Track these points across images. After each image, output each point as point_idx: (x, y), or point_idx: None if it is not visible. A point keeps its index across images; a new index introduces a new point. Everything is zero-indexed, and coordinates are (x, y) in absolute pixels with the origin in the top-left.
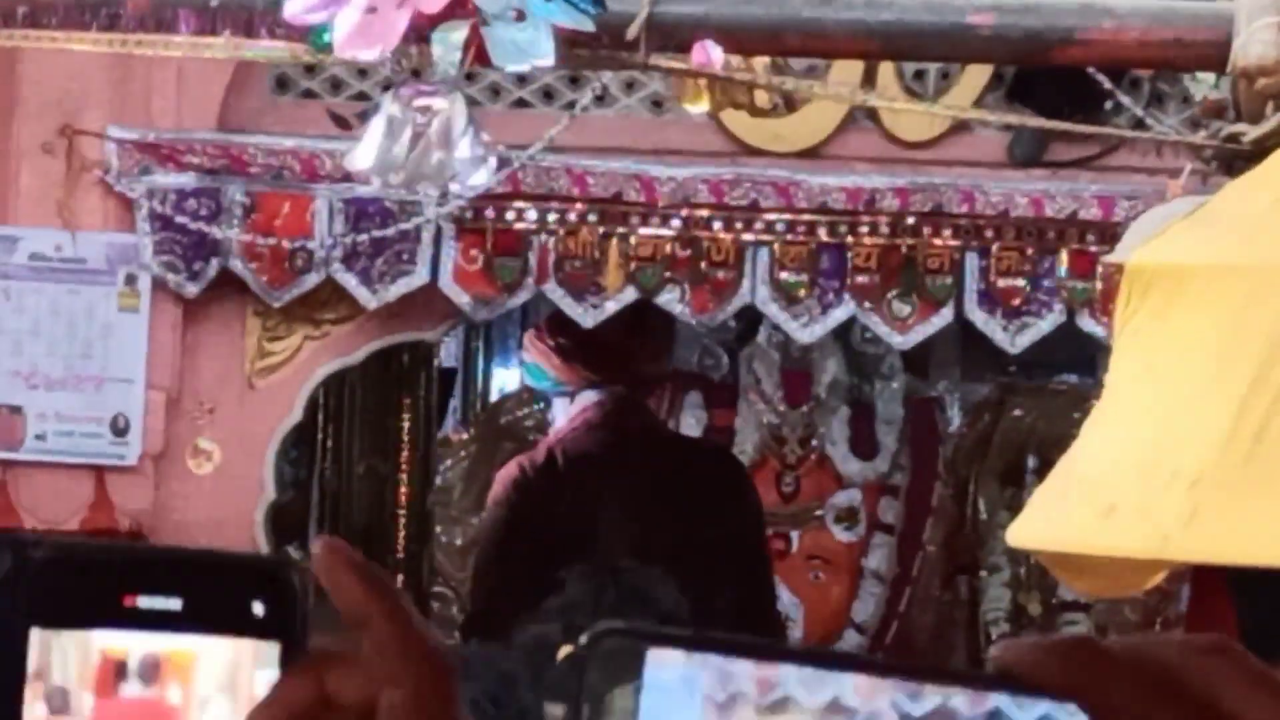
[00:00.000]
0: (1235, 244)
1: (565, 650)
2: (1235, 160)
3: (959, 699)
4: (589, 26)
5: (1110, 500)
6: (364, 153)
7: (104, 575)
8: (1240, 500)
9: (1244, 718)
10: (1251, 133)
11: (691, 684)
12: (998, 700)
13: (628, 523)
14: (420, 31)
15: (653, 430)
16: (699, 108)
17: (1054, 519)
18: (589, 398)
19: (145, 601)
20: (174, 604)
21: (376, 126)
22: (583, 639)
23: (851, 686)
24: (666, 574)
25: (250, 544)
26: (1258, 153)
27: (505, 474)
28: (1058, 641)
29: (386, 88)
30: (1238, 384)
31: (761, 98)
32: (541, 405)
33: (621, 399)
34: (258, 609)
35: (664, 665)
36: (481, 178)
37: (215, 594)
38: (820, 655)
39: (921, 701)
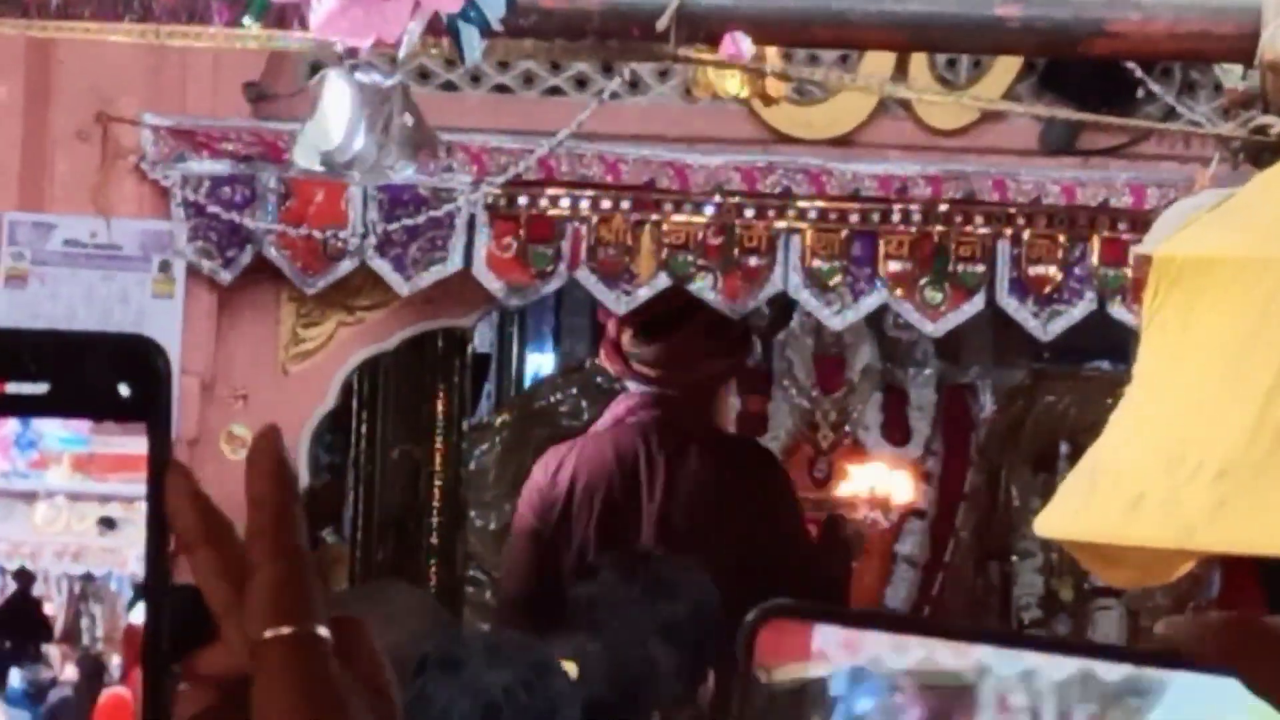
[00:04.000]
0: (1262, 236)
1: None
2: (1263, 152)
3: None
4: None
5: (1137, 491)
6: (305, 144)
7: None
8: (1266, 492)
9: None
10: (1277, 125)
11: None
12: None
13: (660, 517)
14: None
15: (693, 427)
16: (724, 95)
17: (1081, 509)
18: (635, 391)
19: (13, 387)
20: (40, 388)
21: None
22: (750, 615)
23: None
24: (697, 565)
25: None
26: None
27: (542, 463)
28: (1217, 617)
29: (424, 76)
30: (1264, 377)
31: (774, 87)
32: (575, 391)
33: (668, 395)
34: (123, 390)
35: (829, 641)
36: (412, 164)
37: (80, 377)
38: (994, 633)
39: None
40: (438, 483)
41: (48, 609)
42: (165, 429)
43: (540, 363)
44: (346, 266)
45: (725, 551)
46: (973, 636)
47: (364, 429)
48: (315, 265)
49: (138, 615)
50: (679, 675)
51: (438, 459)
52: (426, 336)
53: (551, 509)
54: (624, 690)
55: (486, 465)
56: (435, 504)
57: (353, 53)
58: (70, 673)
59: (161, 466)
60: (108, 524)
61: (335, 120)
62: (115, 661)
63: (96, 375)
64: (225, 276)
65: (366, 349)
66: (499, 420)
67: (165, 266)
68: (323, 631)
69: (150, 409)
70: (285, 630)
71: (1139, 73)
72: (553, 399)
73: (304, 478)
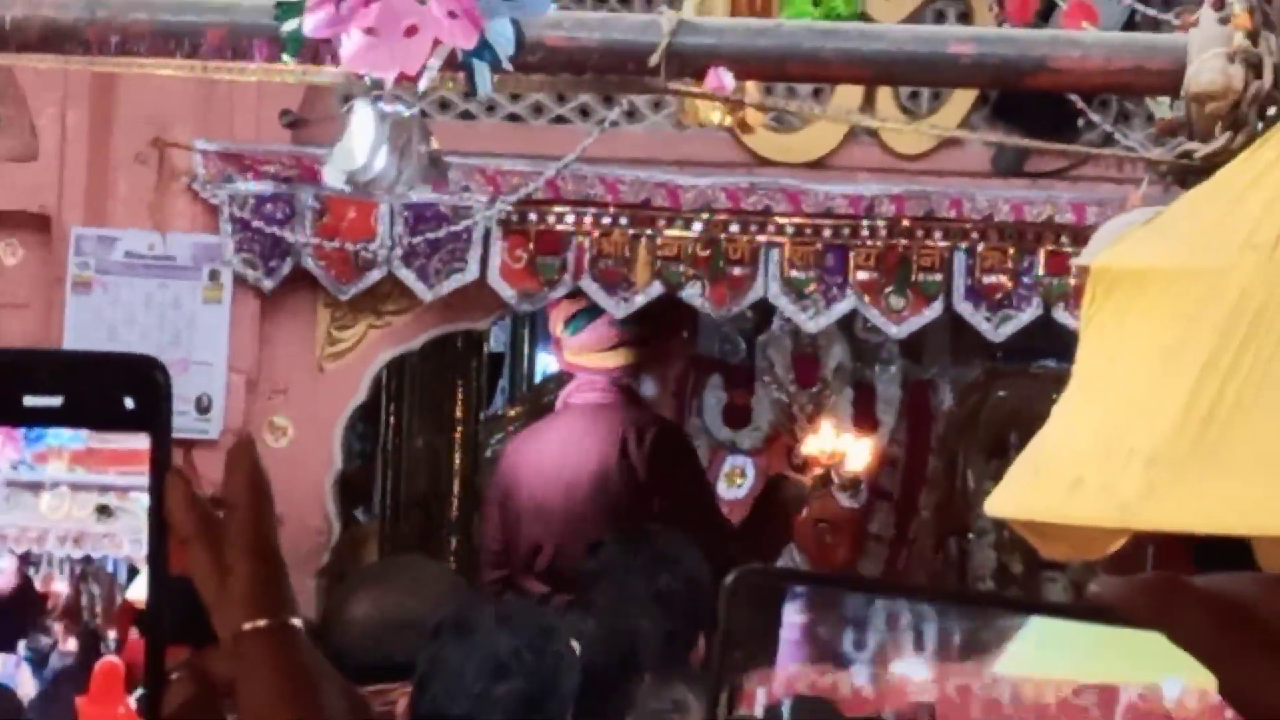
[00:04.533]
0: (1188, 249)
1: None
2: (1188, 174)
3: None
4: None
5: (1076, 475)
6: (335, 165)
7: None
8: (1190, 477)
9: None
10: (1202, 150)
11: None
12: None
13: (568, 489)
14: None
15: (614, 409)
16: (708, 123)
17: (1026, 492)
18: (578, 379)
19: (32, 399)
20: (55, 401)
21: (350, 137)
22: (727, 579)
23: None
24: (689, 539)
25: (320, 510)
26: (1208, 168)
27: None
28: (1145, 578)
29: (444, 106)
30: (1189, 373)
31: (753, 116)
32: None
33: (594, 381)
34: (128, 404)
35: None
36: (427, 185)
37: (90, 390)
38: (930, 591)
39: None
40: (457, 468)
41: (51, 587)
42: (166, 438)
43: (548, 361)
44: (375, 275)
45: (625, 516)
46: (909, 593)
47: (391, 420)
48: (348, 274)
49: (131, 593)
50: (674, 642)
51: (457, 447)
52: (447, 338)
53: (502, 482)
54: (625, 657)
55: (502, 460)
56: (455, 487)
57: (378, 85)
58: (71, 643)
59: (162, 472)
60: (105, 511)
61: (359, 145)
62: (111, 634)
63: (105, 391)
64: (268, 284)
65: (393, 349)
66: (511, 412)
67: (214, 275)
68: (296, 622)
69: (152, 421)
70: (262, 623)
71: (1080, 104)
72: (559, 393)
73: (338, 463)
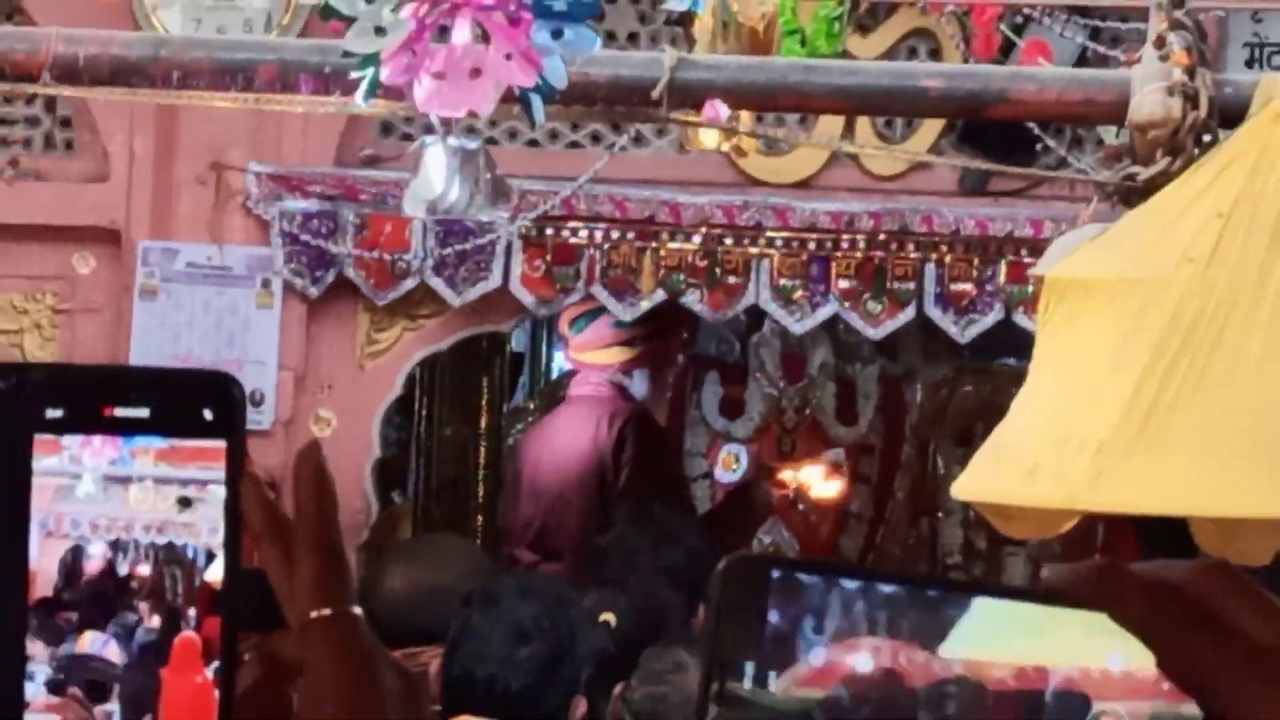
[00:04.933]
0: (1132, 262)
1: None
2: (1132, 195)
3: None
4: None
5: (1032, 463)
6: (415, 196)
7: (88, 391)
8: (1134, 464)
9: (1233, 619)
10: (1144, 173)
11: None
12: None
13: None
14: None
15: (606, 401)
16: (706, 147)
17: (988, 478)
18: (582, 375)
19: (120, 411)
20: (142, 413)
21: (426, 171)
22: (720, 564)
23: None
24: (688, 516)
25: (360, 492)
26: (1149, 189)
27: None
28: (1090, 565)
29: (470, 132)
30: (1133, 372)
31: (746, 142)
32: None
33: (592, 377)
34: (207, 414)
35: (785, 584)
36: (494, 212)
37: (172, 403)
38: (895, 575)
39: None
40: (482, 455)
41: (137, 571)
42: (241, 444)
43: (563, 360)
44: (409, 283)
45: (596, 497)
46: (884, 578)
47: (424, 412)
48: (385, 282)
49: (207, 576)
50: (678, 610)
51: (482, 436)
52: (473, 338)
53: (513, 467)
54: (653, 628)
55: (516, 446)
56: (481, 471)
57: (446, 122)
58: (154, 620)
59: (237, 476)
60: (185, 503)
61: (435, 177)
62: (190, 612)
63: (186, 402)
64: (313, 291)
65: (425, 349)
66: (530, 405)
67: (266, 283)
68: (356, 611)
69: (229, 430)
70: (326, 611)
71: (1036, 131)
72: (564, 392)
73: (376, 451)
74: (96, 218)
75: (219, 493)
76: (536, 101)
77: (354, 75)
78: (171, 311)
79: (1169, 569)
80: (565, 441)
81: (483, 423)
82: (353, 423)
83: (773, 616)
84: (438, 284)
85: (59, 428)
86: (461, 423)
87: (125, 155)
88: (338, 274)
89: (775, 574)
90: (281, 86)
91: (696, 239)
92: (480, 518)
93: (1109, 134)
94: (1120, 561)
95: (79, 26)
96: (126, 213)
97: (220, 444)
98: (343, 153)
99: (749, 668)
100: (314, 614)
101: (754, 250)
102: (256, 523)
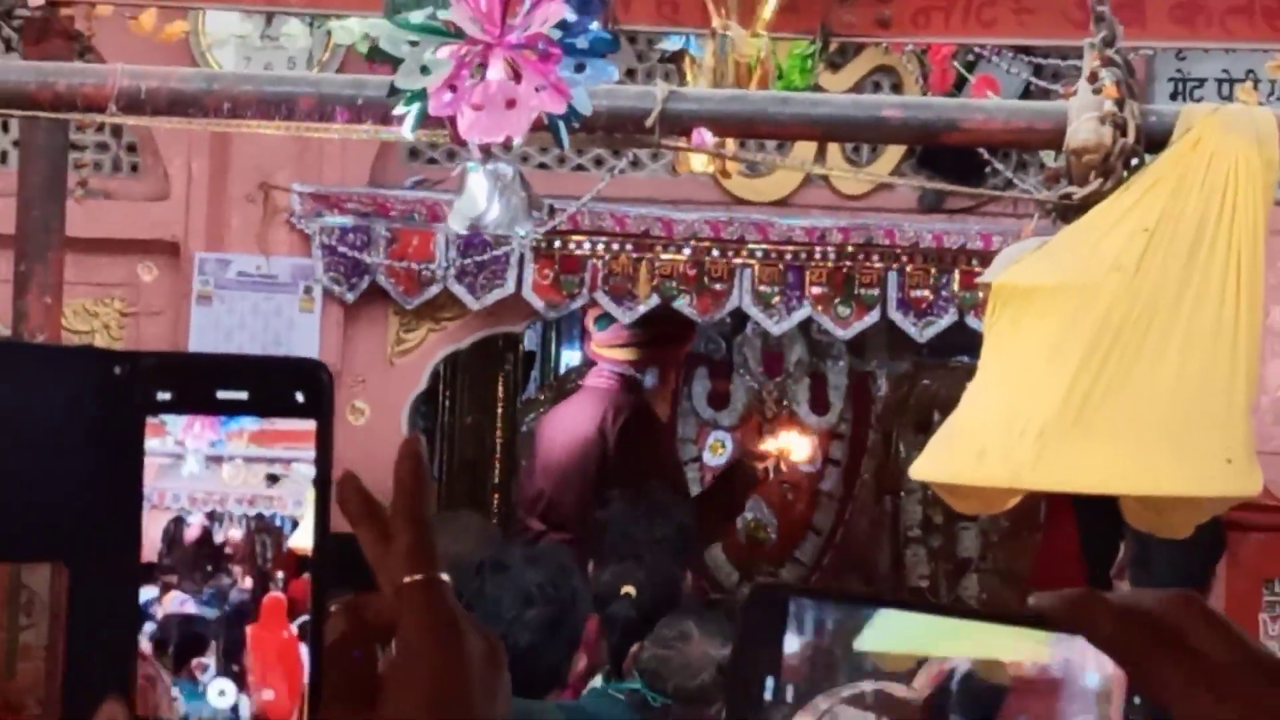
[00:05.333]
0: (1068, 270)
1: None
2: (1069, 211)
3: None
4: (614, 76)
5: (981, 447)
6: (460, 215)
7: (192, 376)
8: (1070, 449)
9: (1196, 643)
10: (1079, 193)
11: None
12: None
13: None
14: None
15: (622, 391)
16: (694, 170)
17: (943, 460)
18: (599, 368)
19: (222, 394)
20: (242, 395)
21: (470, 192)
22: (744, 590)
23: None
24: (679, 495)
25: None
26: (1084, 206)
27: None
28: (1071, 593)
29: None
30: (1068, 367)
31: (730, 165)
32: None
33: (613, 371)
34: (298, 396)
35: (802, 609)
36: (529, 227)
37: (269, 387)
38: (908, 601)
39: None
40: (498, 441)
41: (231, 539)
42: (329, 425)
43: (570, 356)
44: (434, 290)
45: (596, 477)
46: (895, 604)
47: (447, 403)
48: (412, 289)
49: (292, 543)
50: (684, 583)
51: (498, 424)
52: (490, 339)
53: (530, 446)
54: (668, 598)
55: (533, 428)
56: (497, 456)
57: (485, 149)
58: (246, 582)
59: (327, 450)
60: (272, 479)
61: (478, 198)
62: (278, 575)
63: (281, 387)
64: (349, 297)
65: (448, 347)
66: (540, 397)
67: (308, 290)
68: (445, 577)
69: (319, 410)
70: (419, 576)
71: (985, 156)
72: (578, 382)
73: (406, 434)
74: (158, 232)
75: (302, 470)
76: (562, 128)
77: (400, 110)
78: (224, 315)
79: (1144, 598)
80: (573, 424)
81: (498, 412)
82: (384, 413)
83: (790, 641)
84: (459, 290)
85: (168, 409)
86: (480, 412)
87: (183, 177)
88: (371, 282)
89: (793, 602)
90: (320, 116)
91: (686, 251)
92: (496, 495)
93: (1049, 158)
94: (1097, 591)
95: (142, 64)
96: (185, 228)
97: (310, 424)
98: (375, 174)
99: (769, 683)
100: (408, 579)
101: (737, 261)
102: (356, 507)
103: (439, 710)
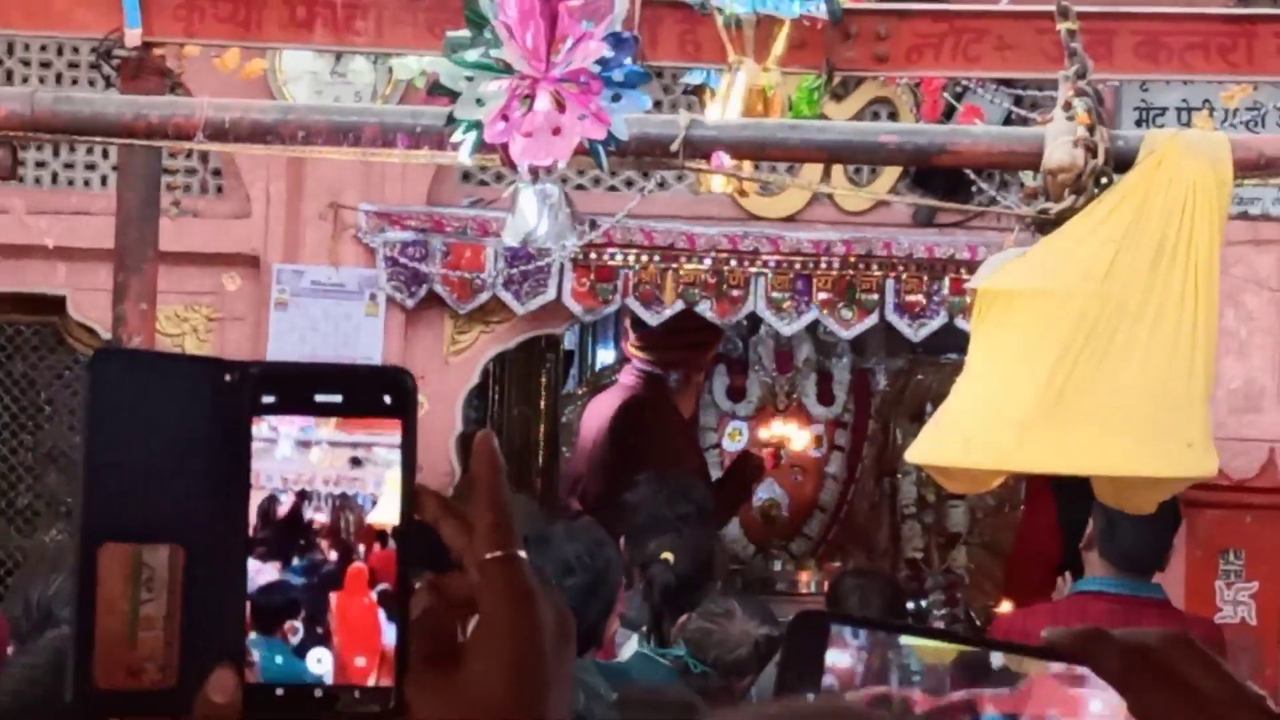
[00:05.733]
0: (1045, 277)
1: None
2: (1046, 225)
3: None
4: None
5: (968, 433)
6: (514, 230)
7: (293, 382)
8: (1047, 434)
9: (1190, 678)
10: (1055, 208)
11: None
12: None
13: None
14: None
15: (655, 389)
16: (714, 190)
17: (934, 445)
18: (632, 368)
19: (320, 397)
20: (336, 398)
21: (522, 210)
22: (792, 618)
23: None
24: (697, 478)
25: (446, 460)
26: (1059, 220)
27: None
28: (1080, 628)
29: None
30: (1046, 363)
31: (746, 185)
32: (617, 377)
33: (644, 370)
34: (386, 399)
35: (844, 637)
36: (574, 240)
37: (361, 391)
38: (936, 631)
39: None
40: (542, 430)
41: (318, 516)
42: (413, 423)
43: (604, 355)
44: (484, 296)
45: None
46: (921, 632)
47: (496, 397)
48: (465, 296)
49: (371, 519)
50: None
51: (541, 415)
52: (534, 339)
53: (587, 426)
54: (703, 568)
55: (571, 419)
56: (540, 443)
57: (534, 171)
58: (331, 554)
59: (412, 445)
60: (355, 462)
61: (529, 215)
62: (360, 547)
63: (370, 391)
64: (410, 303)
65: (497, 347)
66: (579, 391)
67: (373, 297)
68: (522, 554)
69: (403, 411)
70: (499, 553)
71: (972, 176)
72: (611, 377)
73: (459, 426)
74: (240, 246)
75: (380, 453)
76: (601, 152)
77: (458, 138)
78: (299, 319)
79: (1143, 635)
80: (599, 417)
81: (541, 405)
82: (441, 405)
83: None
84: (506, 297)
85: (271, 411)
86: (525, 405)
87: (263, 197)
88: (429, 290)
89: (834, 628)
90: (383, 142)
91: (707, 261)
92: (539, 479)
93: (1028, 177)
94: (1104, 630)
95: (226, 98)
96: (264, 242)
97: (397, 423)
98: (432, 194)
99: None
100: (489, 555)
101: (752, 270)
102: (433, 510)
103: (518, 673)
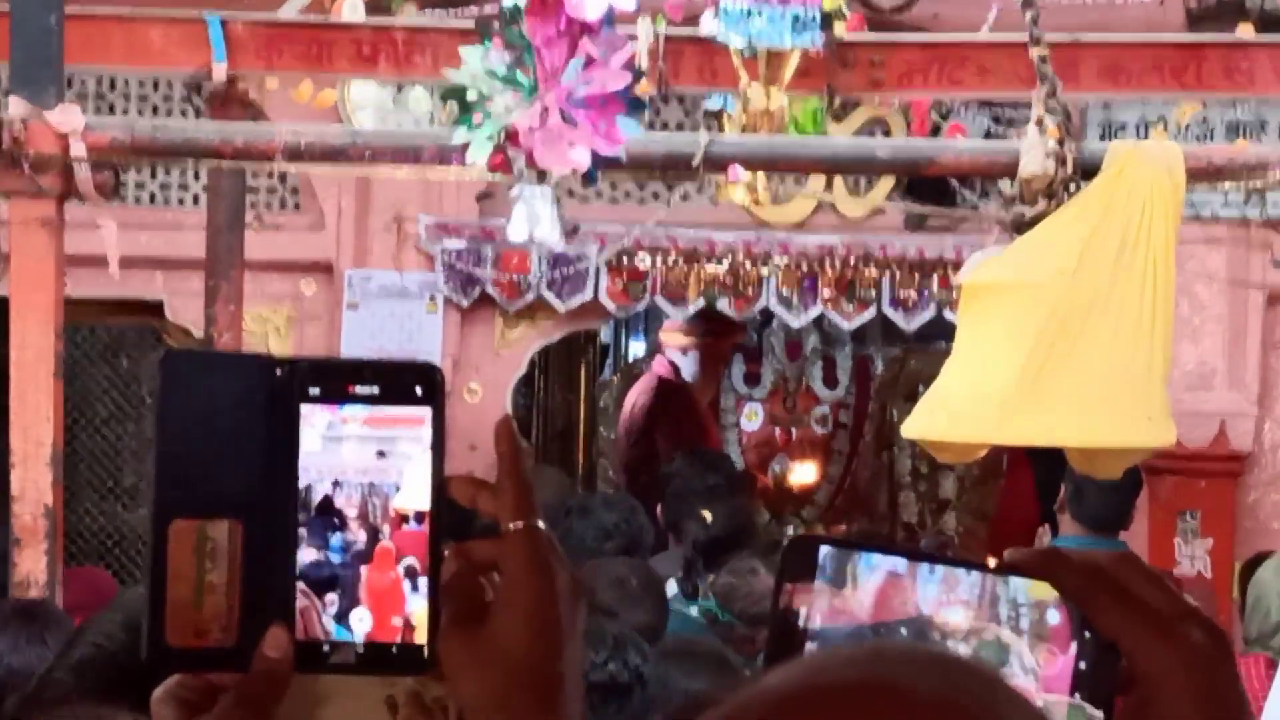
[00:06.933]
0: (1022, 271)
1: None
2: (1022, 226)
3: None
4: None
5: (956, 410)
6: (515, 228)
7: (336, 375)
8: (1026, 410)
9: (1142, 596)
10: (1030, 212)
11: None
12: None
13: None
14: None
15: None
16: (731, 199)
17: (926, 421)
18: (662, 358)
19: (359, 388)
20: (374, 389)
21: (519, 212)
22: (784, 541)
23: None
24: (722, 458)
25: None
26: (1033, 222)
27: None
28: (1038, 549)
29: (571, 193)
30: (1024, 348)
31: (761, 196)
32: (648, 366)
33: (673, 362)
34: (418, 390)
35: (834, 557)
36: (559, 238)
37: (395, 383)
38: (908, 550)
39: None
40: (582, 414)
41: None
42: (442, 412)
43: (636, 348)
44: (530, 297)
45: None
46: (921, 557)
47: (541, 385)
48: (513, 296)
49: (396, 504)
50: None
51: (581, 401)
52: (574, 334)
53: (625, 411)
54: (740, 530)
55: (609, 404)
56: (581, 425)
57: (542, 175)
58: (361, 535)
59: (440, 431)
60: (381, 454)
61: (531, 214)
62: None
63: (403, 383)
64: (465, 303)
65: (542, 341)
66: (614, 379)
67: (432, 298)
68: (542, 525)
69: (433, 401)
70: (520, 524)
71: (956, 184)
72: (642, 368)
73: (509, 410)
74: (315, 255)
75: (403, 447)
76: (597, 172)
77: (472, 138)
78: (368, 319)
79: (1094, 555)
80: (635, 400)
81: (581, 392)
82: (493, 393)
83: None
84: (549, 296)
85: (317, 401)
86: (567, 392)
87: (335, 212)
88: (481, 291)
89: (824, 549)
90: (440, 161)
91: (725, 263)
92: (581, 457)
93: (1006, 185)
94: (1060, 549)
95: (301, 124)
96: (336, 251)
97: (427, 410)
98: (483, 207)
99: (802, 611)
100: (511, 526)
101: (765, 270)
102: (468, 486)
103: (538, 631)
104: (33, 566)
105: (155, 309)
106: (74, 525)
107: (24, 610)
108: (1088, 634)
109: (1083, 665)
